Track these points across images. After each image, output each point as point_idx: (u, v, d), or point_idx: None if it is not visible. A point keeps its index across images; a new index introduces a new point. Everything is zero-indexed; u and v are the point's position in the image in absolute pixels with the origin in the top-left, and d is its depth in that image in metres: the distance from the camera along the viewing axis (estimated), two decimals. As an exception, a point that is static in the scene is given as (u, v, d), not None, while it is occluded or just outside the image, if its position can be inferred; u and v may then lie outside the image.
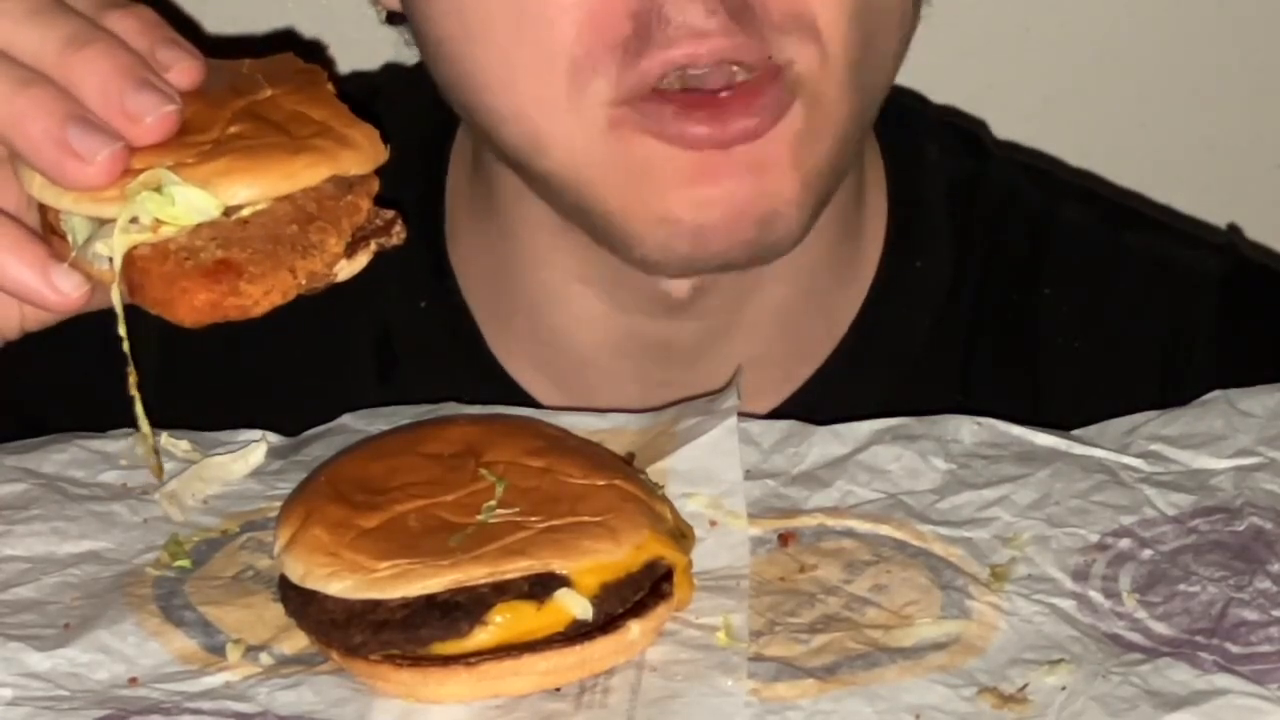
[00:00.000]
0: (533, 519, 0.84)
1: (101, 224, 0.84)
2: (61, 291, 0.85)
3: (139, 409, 0.88)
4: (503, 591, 0.82)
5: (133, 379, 0.86)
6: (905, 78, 1.20)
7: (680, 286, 1.11)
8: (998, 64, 1.55)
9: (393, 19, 1.15)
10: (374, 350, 1.20)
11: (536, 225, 1.13)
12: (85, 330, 0.91)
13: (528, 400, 1.17)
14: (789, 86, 1.00)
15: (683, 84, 0.99)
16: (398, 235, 0.87)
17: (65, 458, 0.99)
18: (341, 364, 1.20)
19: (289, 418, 1.03)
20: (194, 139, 0.84)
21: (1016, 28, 1.55)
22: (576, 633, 0.82)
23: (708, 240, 1.01)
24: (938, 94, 1.40)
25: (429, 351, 1.19)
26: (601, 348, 1.16)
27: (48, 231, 0.87)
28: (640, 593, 0.84)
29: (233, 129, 0.85)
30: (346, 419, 1.02)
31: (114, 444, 1.00)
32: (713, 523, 0.92)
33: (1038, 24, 1.55)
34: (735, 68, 0.98)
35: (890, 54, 1.06)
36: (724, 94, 0.98)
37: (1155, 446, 0.97)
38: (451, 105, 1.09)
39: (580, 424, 0.98)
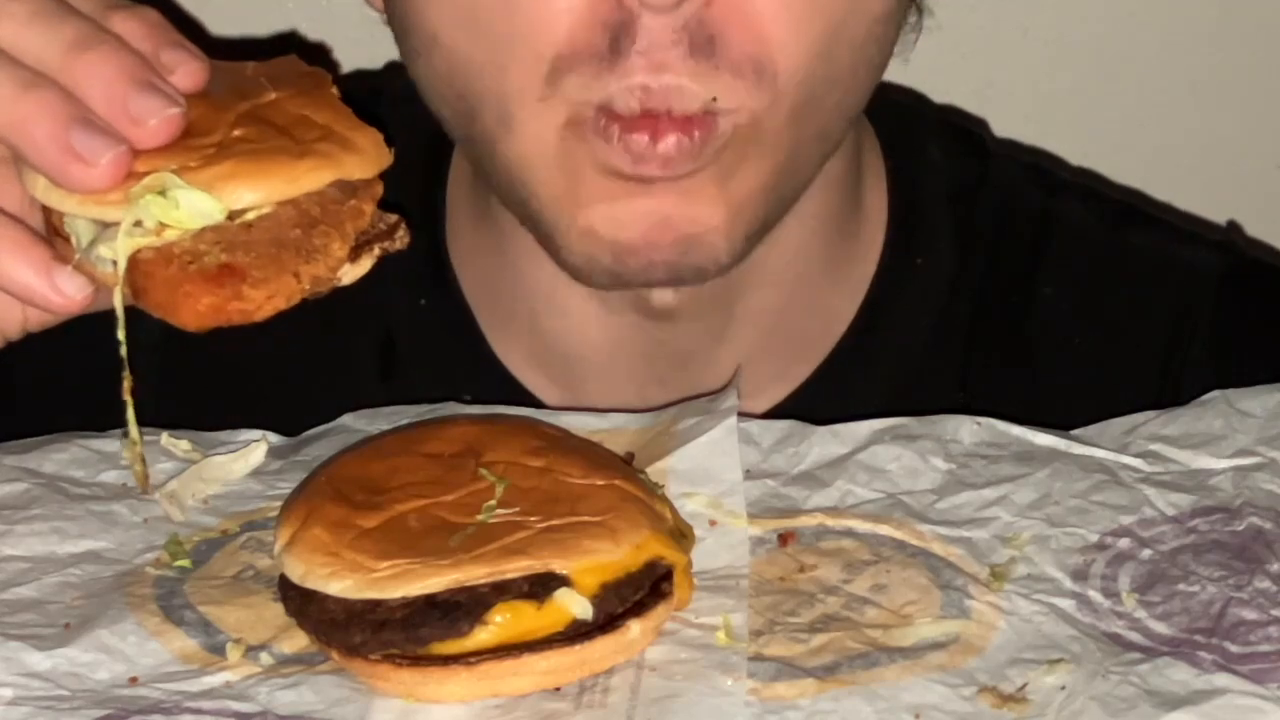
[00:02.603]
0: (533, 519, 0.84)
1: (105, 227, 0.84)
2: (64, 294, 0.85)
3: (130, 415, 0.88)
4: (503, 591, 0.82)
5: (127, 384, 0.86)
6: (905, 78, 1.21)
7: (663, 296, 1.11)
8: (997, 64, 1.55)
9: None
10: (376, 349, 1.20)
11: (521, 226, 1.13)
12: (87, 330, 0.91)
13: (528, 398, 1.17)
14: (722, 134, 1.00)
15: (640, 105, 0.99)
16: (401, 240, 0.87)
17: (65, 457, 0.99)
18: (344, 363, 1.20)
19: (291, 417, 1.03)
20: (198, 142, 0.84)
21: (1016, 28, 1.55)
22: (576, 632, 0.82)
23: (625, 257, 1.02)
24: (938, 94, 1.40)
25: (430, 350, 1.19)
26: (597, 347, 1.16)
27: (51, 234, 0.87)
28: (640, 592, 0.84)
29: (237, 132, 0.85)
30: (347, 419, 1.03)
31: (114, 443, 1.00)
32: (712, 522, 0.92)
33: (1037, 24, 1.55)
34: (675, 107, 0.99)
35: (856, 87, 1.05)
36: (661, 123, 0.98)
37: (1155, 446, 0.97)
38: (431, 99, 1.08)
39: (580, 424, 0.98)
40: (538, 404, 1.15)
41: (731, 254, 1.04)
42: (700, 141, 0.99)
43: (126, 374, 0.86)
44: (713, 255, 1.03)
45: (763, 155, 1.02)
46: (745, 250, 1.05)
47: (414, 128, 1.17)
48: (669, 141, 0.99)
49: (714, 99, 0.99)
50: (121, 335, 0.84)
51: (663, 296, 1.11)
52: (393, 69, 1.28)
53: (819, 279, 1.17)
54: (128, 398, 0.86)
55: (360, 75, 1.35)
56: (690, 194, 1.01)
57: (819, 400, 1.13)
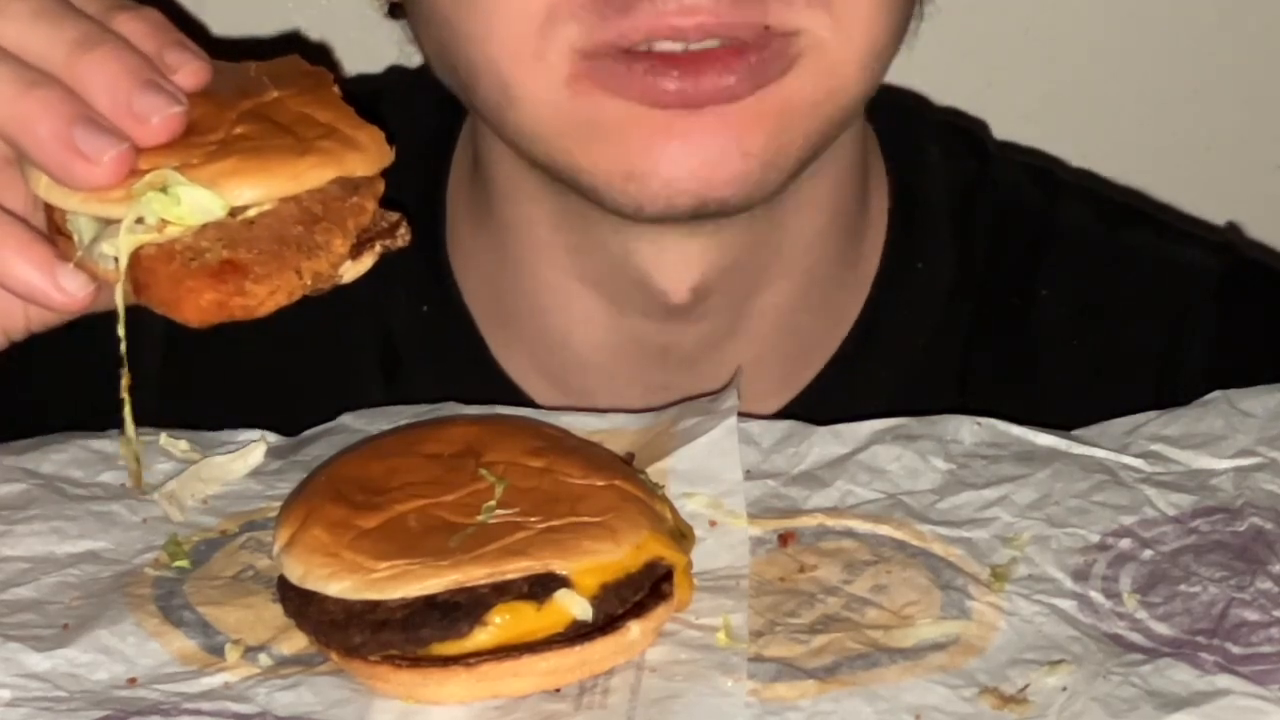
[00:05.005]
0: (532, 519, 0.84)
1: (107, 224, 0.84)
2: (67, 292, 0.85)
3: (127, 412, 0.88)
4: (502, 592, 0.82)
5: (125, 382, 0.86)
6: (906, 78, 1.20)
7: (678, 292, 1.11)
8: (998, 64, 1.55)
9: (394, 11, 1.15)
10: (377, 354, 1.20)
11: (533, 223, 1.13)
12: (89, 331, 0.91)
13: (528, 403, 1.16)
14: (789, 53, 0.99)
15: (654, 49, 0.98)
16: (402, 237, 0.87)
17: (65, 457, 0.99)
18: (346, 368, 1.20)
19: (294, 421, 1.03)
20: (200, 140, 0.84)
21: (1016, 28, 1.55)
22: (576, 633, 0.82)
23: (676, 195, 1.01)
24: (938, 94, 1.40)
25: (431, 356, 1.19)
26: (602, 350, 1.16)
27: (54, 232, 0.88)
28: (640, 593, 0.84)
29: (239, 130, 0.85)
30: (346, 419, 1.02)
31: (113, 443, 1.00)
32: (713, 523, 0.92)
33: (1037, 24, 1.55)
34: (719, 40, 0.98)
35: (900, 35, 1.06)
36: (703, 54, 0.98)
37: (1156, 447, 0.96)
38: (439, 74, 1.09)
39: (580, 424, 0.98)
40: (537, 408, 1.15)
41: (779, 183, 1.03)
42: (757, 64, 0.99)
43: (125, 372, 0.86)
44: (761, 186, 1.02)
45: (829, 92, 1.01)
46: (784, 185, 1.04)
47: (414, 131, 1.17)
48: (710, 84, 0.98)
49: (765, 26, 0.98)
50: (122, 332, 0.84)
51: (677, 293, 1.11)
52: (394, 72, 1.28)
53: (827, 278, 1.17)
54: (125, 395, 0.86)
55: (361, 79, 1.35)
56: (739, 125, 1.00)
57: (822, 402, 1.13)
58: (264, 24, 1.47)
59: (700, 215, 1.03)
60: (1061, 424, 1.00)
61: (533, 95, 1.01)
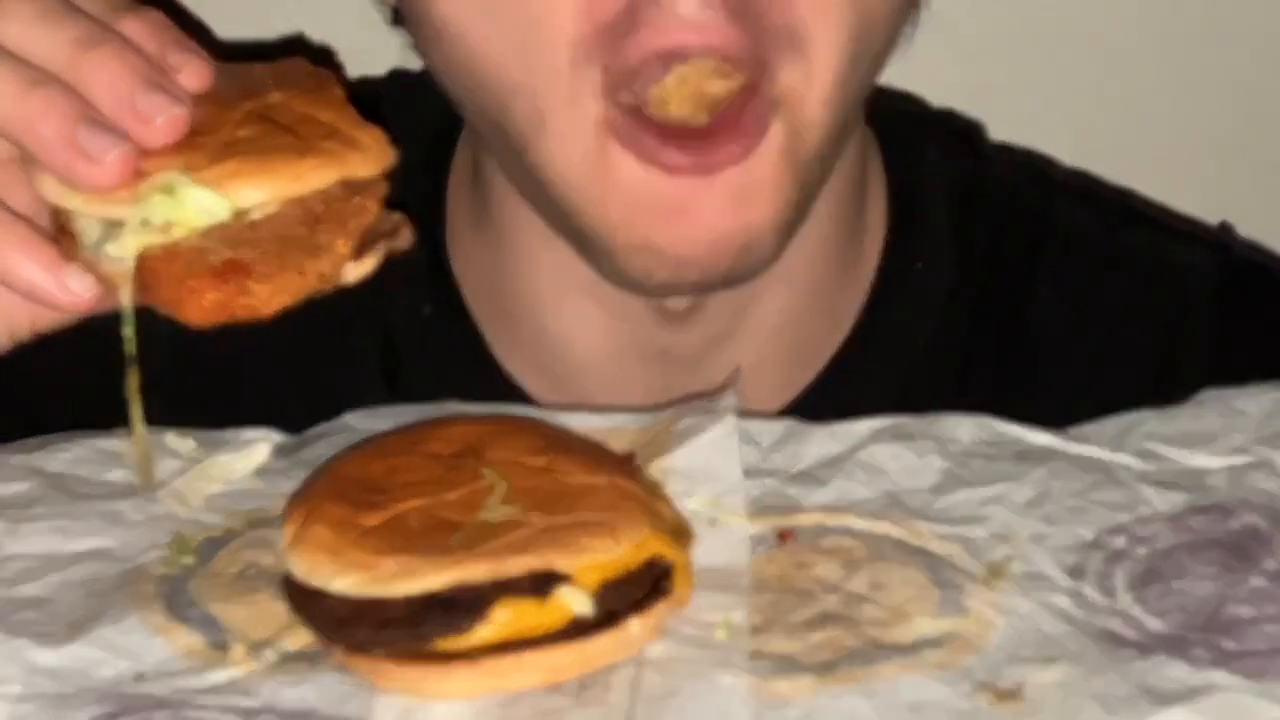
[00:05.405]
0: (533, 517, 0.84)
1: (112, 225, 0.84)
2: (72, 292, 0.86)
3: (136, 412, 0.88)
4: (504, 589, 0.82)
5: (133, 382, 0.87)
6: (904, 78, 1.21)
7: (677, 300, 1.11)
8: (997, 64, 1.55)
9: (398, 18, 1.15)
10: (378, 355, 1.20)
11: (529, 229, 1.13)
12: (95, 332, 0.91)
13: (529, 403, 1.17)
14: (769, 103, 1.00)
15: (662, 99, 0.99)
16: (405, 239, 0.87)
17: (71, 456, 0.99)
18: (347, 369, 1.20)
19: (296, 421, 1.04)
20: (204, 141, 0.85)
21: (1016, 28, 1.55)
22: (577, 629, 0.83)
23: (687, 270, 1.02)
24: (936, 94, 1.40)
25: (432, 358, 1.19)
26: (601, 353, 1.16)
27: (59, 232, 0.88)
28: (641, 590, 0.85)
29: (242, 131, 0.85)
30: (349, 418, 1.03)
31: (120, 443, 1.00)
32: (712, 521, 0.93)
33: (1037, 24, 1.55)
34: (724, 63, 0.98)
35: (875, 70, 1.06)
36: (710, 124, 0.99)
37: (1151, 445, 0.97)
38: (451, 88, 1.08)
39: (581, 423, 0.98)
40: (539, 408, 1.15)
41: (780, 247, 1.05)
42: (751, 118, 0.99)
43: (133, 372, 0.86)
44: (764, 254, 1.04)
45: (805, 144, 1.02)
46: (787, 243, 1.06)
47: (415, 133, 1.17)
48: (721, 153, 0.99)
49: (761, 62, 0.98)
50: (129, 333, 0.85)
51: (676, 301, 1.11)
52: (395, 76, 1.28)
53: (826, 280, 1.18)
54: (133, 395, 0.87)
55: (362, 81, 1.35)
56: (748, 194, 1.01)
57: (822, 404, 1.13)
58: (267, 26, 1.47)
59: (705, 289, 1.05)
60: (1060, 423, 1.00)
61: (564, 135, 1.01)
